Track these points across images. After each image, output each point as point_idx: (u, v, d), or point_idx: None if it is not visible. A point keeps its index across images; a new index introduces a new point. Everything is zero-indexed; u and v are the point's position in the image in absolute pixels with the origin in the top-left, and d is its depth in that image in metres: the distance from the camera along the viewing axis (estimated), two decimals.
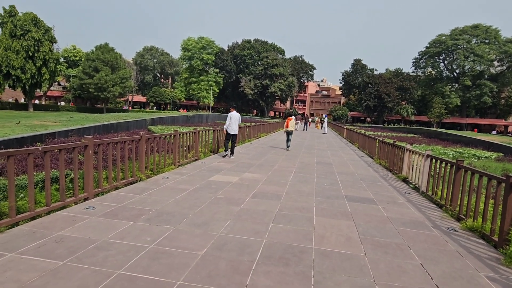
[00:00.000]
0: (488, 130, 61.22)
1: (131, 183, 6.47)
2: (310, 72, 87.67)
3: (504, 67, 62.08)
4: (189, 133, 9.94)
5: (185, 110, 75.72)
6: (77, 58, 72.76)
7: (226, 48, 78.97)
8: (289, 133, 15.16)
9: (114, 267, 3.08)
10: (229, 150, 11.27)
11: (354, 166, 11.28)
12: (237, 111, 12.13)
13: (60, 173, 4.67)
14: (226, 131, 11.11)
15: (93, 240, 3.69)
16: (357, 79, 77.92)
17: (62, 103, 64.22)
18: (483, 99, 60.51)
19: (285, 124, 15.28)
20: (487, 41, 61.54)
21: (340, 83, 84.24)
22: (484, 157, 15.94)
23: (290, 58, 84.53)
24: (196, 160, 10.01)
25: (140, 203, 5.23)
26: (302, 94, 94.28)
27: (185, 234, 4.05)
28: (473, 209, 5.05)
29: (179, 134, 8.94)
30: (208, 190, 6.43)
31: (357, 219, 5.15)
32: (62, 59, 67.36)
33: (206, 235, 4.08)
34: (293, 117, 16.46)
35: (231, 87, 77.60)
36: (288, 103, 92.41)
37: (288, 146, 15.30)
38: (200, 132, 10.93)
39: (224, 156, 11.17)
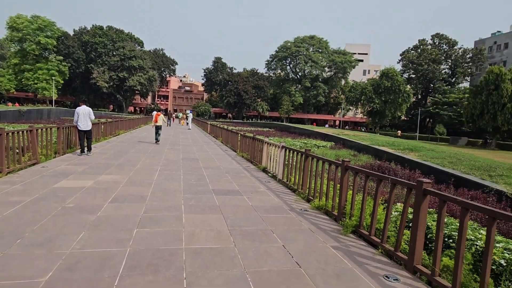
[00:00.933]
0: (323, 124, 74.55)
1: None
2: (172, 67, 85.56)
3: (332, 73, 76.54)
4: (23, 132, 8.03)
5: (16, 104, 61.27)
6: None
7: (72, 33, 68.09)
8: (158, 128, 15.67)
9: None
10: (86, 148, 10.35)
11: (219, 160, 11.61)
12: (89, 106, 10.74)
13: None
14: (77, 128, 10.02)
15: None
16: (218, 76, 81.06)
17: None
18: (318, 98, 72.97)
19: (154, 119, 15.82)
20: (320, 50, 74.34)
21: (203, 79, 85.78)
22: (322, 146, 19.22)
23: (150, 51, 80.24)
24: (34, 164, 8.20)
25: None
26: (164, 89, 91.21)
27: (19, 259, 3.19)
28: (319, 191, 5.95)
29: (8, 133, 7.08)
30: (52, 199, 5.32)
31: (226, 211, 5.27)
32: None
33: (51, 255, 3.32)
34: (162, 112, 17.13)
35: (80, 78, 67.61)
36: (149, 98, 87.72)
37: (158, 140, 15.79)
38: (39, 130, 9.00)
39: (80, 155, 9.99)
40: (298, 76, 76.60)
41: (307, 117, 76.15)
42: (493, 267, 3.20)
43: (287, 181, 7.76)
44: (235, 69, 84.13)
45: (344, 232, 4.58)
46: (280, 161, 8.29)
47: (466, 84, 66.51)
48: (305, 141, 21.05)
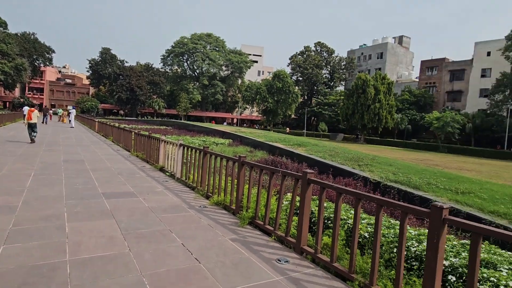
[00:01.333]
0: (221, 122, 75.81)
1: None
2: (47, 55, 73.57)
3: (229, 72, 78.45)
4: None
5: None
6: None
7: None
8: (32, 126, 14.53)
9: None
10: None
11: (110, 161, 10.65)
12: None
13: None
14: None
15: None
16: (107, 69, 73.66)
17: None
18: (216, 97, 73.84)
19: (27, 115, 14.31)
20: (217, 49, 75.22)
21: (88, 71, 76.55)
22: (220, 144, 19.59)
23: (16, 34, 67.23)
24: None
25: None
26: (37, 81, 77.93)
27: None
28: (217, 187, 6.09)
29: None
30: None
31: (119, 215, 4.91)
32: None
33: None
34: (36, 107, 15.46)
35: None
36: (17, 91, 73.63)
37: (33, 138, 14.55)
38: None
39: None
40: (196, 74, 75.89)
41: (205, 115, 76.20)
42: (360, 239, 3.87)
43: (186, 179, 7.67)
44: (127, 62, 77.92)
45: (242, 224, 4.81)
46: (179, 159, 8.13)
47: (341, 88, 77.13)
48: (204, 139, 21.09)
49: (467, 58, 54.20)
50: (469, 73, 52.94)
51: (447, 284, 2.93)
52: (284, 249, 4.01)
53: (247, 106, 76.65)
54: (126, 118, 62.84)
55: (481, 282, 2.75)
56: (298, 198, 4.92)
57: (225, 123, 73.86)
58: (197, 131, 30.59)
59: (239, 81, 79.53)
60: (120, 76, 69.33)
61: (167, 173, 8.83)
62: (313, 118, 71.71)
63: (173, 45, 72.74)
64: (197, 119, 71.73)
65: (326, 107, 65.75)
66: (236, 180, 5.47)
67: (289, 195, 5.77)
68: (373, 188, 8.13)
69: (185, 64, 75.31)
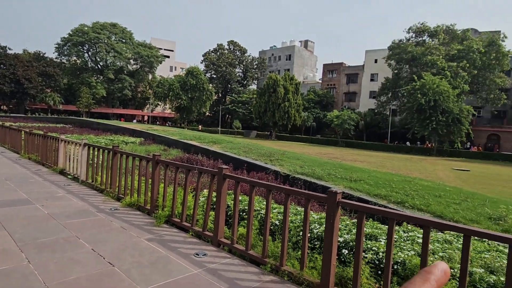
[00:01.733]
0: (131, 119, 70.89)
1: None
2: None
3: (139, 66, 73.75)
4: None
5: None
6: None
7: None
8: None
9: None
10: None
11: None
12: None
13: None
14: None
15: None
16: None
17: None
18: (124, 92, 68.65)
19: None
20: (124, 40, 69.82)
21: None
22: (131, 142, 18.43)
23: None
24: None
25: None
26: None
27: None
28: (130, 187, 5.83)
29: None
30: None
31: (11, 226, 4.31)
32: None
33: None
34: None
35: None
36: None
37: None
38: None
39: None
40: (100, 66, 69.17)
41: (112, 111, 70.16)
42: (272, 227, 4.24)
43: (92, 181, 7.09)
44: (9, 49, 66.26)
45: (158, 224, 4.75)
46: (83, 160, 7.45)
47: (254, 87, 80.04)
48: (111, 138, 19.53)
49: (360, 64, 62.12)
50: (361, 77, 60.76)
51: (341, 257, 3.47)
52: (202, 244, 4.13)
53: (159, 103, 73.26)
54: (12, 115, 53.61)
55: (366, 252, 3.35)
56: (215, 194, 5.09)
57: (135, 121, 69.31)
58: (103, 130, 28.06)
59: (150, 77, 75.43)
60: (1, 66, 58.72)
61: (69, 176, 8.00)
62: (227, 115, 72.76)
63: (71, 33, 64.80)
64: (102, 116, 65.58)
65: (240, 105, 67.38)
66: (150, 180, 5.34)
67: (205, 191, 5.88)
68: (283, 181, 8.83)
69: (86, 55, 67.96)
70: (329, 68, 65.60)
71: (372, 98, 57.01)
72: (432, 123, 35.63)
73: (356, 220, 4.43)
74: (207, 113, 71.95)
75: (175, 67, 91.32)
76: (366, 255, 3.27)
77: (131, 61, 72.01)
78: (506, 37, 43.49)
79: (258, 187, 4.72)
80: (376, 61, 58.23)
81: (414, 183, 8.72)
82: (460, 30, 46.96)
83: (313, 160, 12.36)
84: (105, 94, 66.79)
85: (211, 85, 67.69)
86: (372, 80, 59.15)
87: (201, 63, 75.33)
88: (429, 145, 41.61)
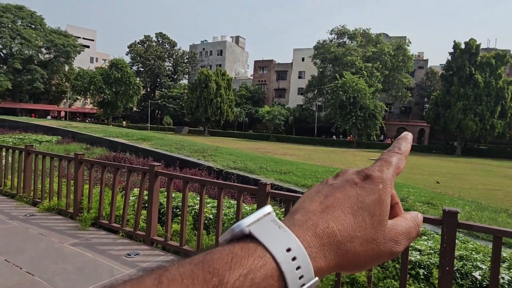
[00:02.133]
0: (44, 115, 63.25)
1: None
2: None
3: (52, 56, 65.99)
4: None
5: None
6: None
7: None
8: None
9: None
10: None
11: None
12: None
13: None
14: None
15: None
16: None
17: None
18: (35, 85, 60.86)
19: None
20: (33, 26, 61.68)
21: None
22: (46, 141, 16.56)
23: None
24: None
25: None
26: None
27: None
28: (48, 191, 5.32)
29: None
30: None
31: None
32: None
33: None
34: None
35: None
36: None
37: None
38: None
39: None
40: (3, 54, 60.14)
41: (20, 106, 61.68)
42: (206, 221, 4.32)
43: (0, 186, 6.27)
44: None
45: (83, 227, 4.46)
46: None
47: (185, 81, 78.02)
48: (21, 137, 17.29)
49: (289, 62, 64.96)
50: (290, 74, 63.63)
51: None
52: (134, 244, 4.03)
53: (78, 98, 66.71)
54: None
55: None
56: (146, 192, 4.96)
57: (49, 117, 62.03)
58: (10, 127, 24.59)
59: (67, 68, 68.10)
60: None
61: None
62: (157, 111, 69.74)
63: None
64: (7, 112, 57.29)
65: (170, 100, 65.11)
66: (72, 181, 4.96)
67: (136, 190, 5.67)
68: (217, 176, 8.91)
69: None
70: (260, 65, 67.22)
71: (300, 95, 60.19)
72: (352, 118, 39.20)
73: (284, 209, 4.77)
74: (135, 109, 68.01)
75: (97, 58, 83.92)
76: None
77: (43, 50, 64.15)
78: (410, 42, 49.85)
79: (192, 182, 4.75)
80: (303, 59, 61.51)
81: (336, 173, 9.59)
82: (374, 34, 52.27)
83: (245, 155, 12.68)
84: (11, 87, 58.41)
85: (138, 78, 64.06)
86: (300, 77, 62.38)
87: (127, 55, 70.68)
88: (350, 138, 45.72)
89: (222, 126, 56.02)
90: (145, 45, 70.05)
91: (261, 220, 0.32)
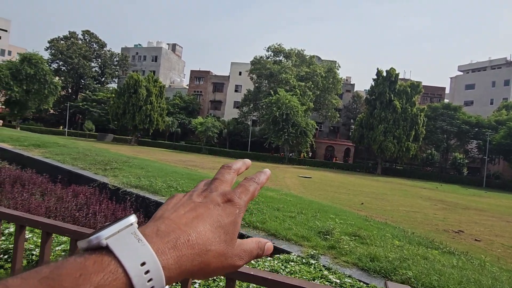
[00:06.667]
0: None
1: None
2: None
3: None
4: None
5: None
6: None
7: None
8: None
9: None
10: None
11: None
12: None
13: None
14: None
15: None
16: None
17: None
18: None
19: None
20: None
21: None
22: None
23: None
24: None
25: None
26: None
27: None
28: None
29: None
30: None
31: None
32: None
33: None
34: None
35: None
36: None
37: None
38: None
39: None
40: None
41: None
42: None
43: None
44: None
45: None
46: None
47: (114, 85, 72.19)
48: None
49: (226, 74, 64.35)
50: (227, 86, 62.95)
51: None
52: None
53: None
54: None
55: None
56: None
57: None
58: None
59: None
60: None
61: None
62: (78, 115, 62.86)
63: None
64: None
65: (94, 104, 59.23)
66: None
67: None
68: (110, 195, 7.11)
69: None
70: (196, 75, 65.40)
71: (236, 108, 59.68)
72: (285, 134, 39.59)
73: None
74: (51, 111, 60.38)
75: (10, 51, 73.24)
76: None
77: None
78: (339, 66, 53.13)
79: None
80: (240, 73, 61.47)
81: (259, 194, 8.51)
82: (308, 55, 54.61)
83: (160, 169, 10.95)
84: None
85: (57, 77, 57.09)
86: (236, 91, 62.06)
87: (46, 50, 62.90)
88: (281, 154, 46.19)
89: (152, 136, 52.46)
90: (69, 41, 63.29)
91: (121, 232, 0.32)
